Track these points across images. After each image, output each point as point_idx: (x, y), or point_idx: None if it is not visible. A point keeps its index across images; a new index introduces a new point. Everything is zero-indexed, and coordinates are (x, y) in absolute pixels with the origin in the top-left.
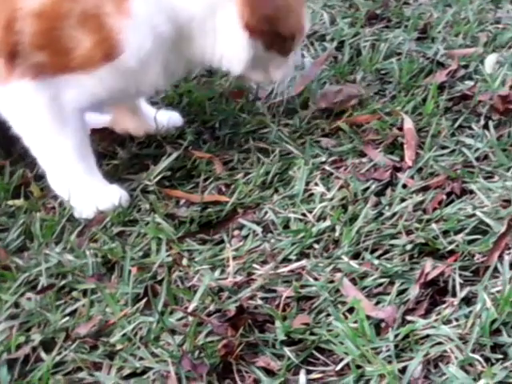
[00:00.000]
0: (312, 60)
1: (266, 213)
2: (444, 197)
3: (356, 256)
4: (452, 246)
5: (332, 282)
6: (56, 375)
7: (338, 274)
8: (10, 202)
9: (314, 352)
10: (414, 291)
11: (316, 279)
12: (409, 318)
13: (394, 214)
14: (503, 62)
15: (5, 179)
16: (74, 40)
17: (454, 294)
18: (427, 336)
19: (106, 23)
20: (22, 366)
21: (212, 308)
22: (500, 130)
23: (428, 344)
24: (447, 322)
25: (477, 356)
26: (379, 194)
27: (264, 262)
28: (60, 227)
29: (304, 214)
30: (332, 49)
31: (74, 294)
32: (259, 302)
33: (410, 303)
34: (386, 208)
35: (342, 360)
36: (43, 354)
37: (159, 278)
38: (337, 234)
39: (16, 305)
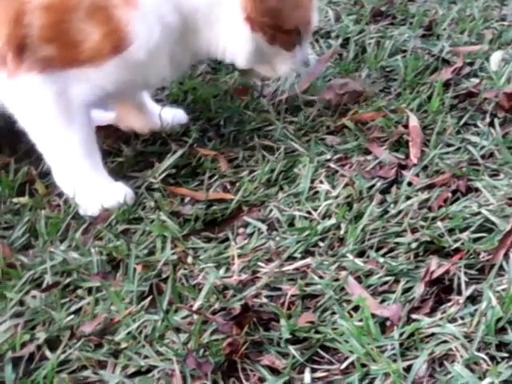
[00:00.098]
0: (317, 57)
1: (270, 210)
2: (449, 195)
3: (361, 254)
4: (457, 244)
5: (337, 280)
6: (61, 373)
7: (343, 272)
8: (15, 200)
9: (319, 350)
10: (420, 289)
11: (321, 277)
12: (414, 316)
13: (399, 212)
14: (509, 60)
15: (10, 176)
16: (82, 33)
17: (460, 293)
18: (432, 334)
19: (114, 15)
20: (27, 365)
21: (217, 306)
22: (506, 127)
23: (433, 342)
24: (452, 320)
25: (482, 354)
26: (384, 191)
27: (269, 260)
28: (65, 225)
29: (309, 212)
30: (337, 46)
31: (79, 292)
32: (264, 300)
33: (415, 301)
34: (391, 206)
35: (346, 358)
36: (48, 353)
37: (164, 276)
38: (342, 231)
39: (21, 303)
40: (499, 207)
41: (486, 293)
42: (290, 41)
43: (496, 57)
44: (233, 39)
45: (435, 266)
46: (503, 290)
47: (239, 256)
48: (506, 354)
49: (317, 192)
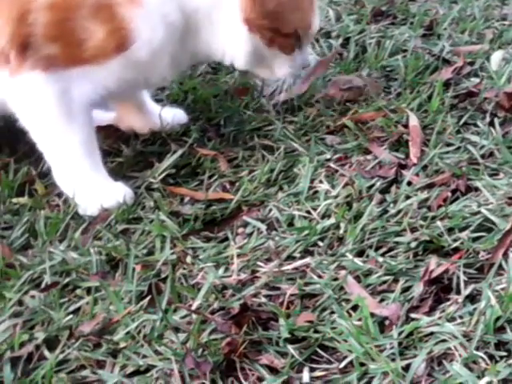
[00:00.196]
0: (317, 57)
1: (270, 210)
2: (449, 194)
3: (360, 253)
4: (457, 244)
5: (336, 279)
6: (59, 373)
7: (343, 272)
8: (15, 200)
9: (318, 350)
10: (419, 289)
11: (320, 277)
12: (413, 315)
13: (398, 212)
14: (509, 59)
15: (9, 177)
16: (86, 31)
17: (459, 292)
18: (431, 333)
19: (117, 13)
20: (26, 364)
21: (216, 306)
22: (505, 127)
23: (432, 341)
24: (451, 319)
25: (481, 353)
26: (384, 191)
27: (268, 260)
28: (64, 225)
29: (308, 212)
30: (337, 46)
31: (78, 291)
32: (263, 299)
33: (415, 301)
34: (391, 205)
35: (345, 358)
36: (46, 352)
37: (163, 275)
38: (341, 231)
39: (20, 303)
40: (499, 206)
41: (485, 292)
42: (288, 44)
43: (496, 56)
44: (231, 40)
45: (434, 265)
46: (502, 289)
47: (238, 256)
48: (504, 353)
49: (316, 192)
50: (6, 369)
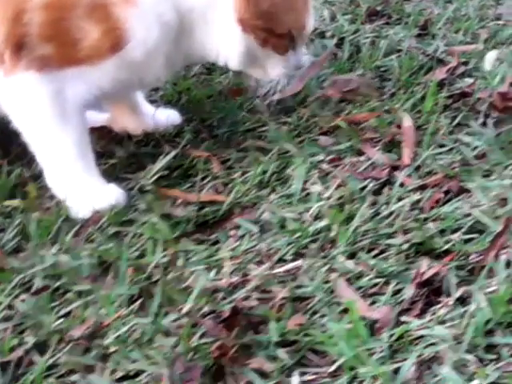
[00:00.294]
0: (312, 57)
1: (262, 212)
2: (441, 195)
3: (352, 256)
4: (448, 246)
5: (327, 282)
6: (49, 378)
7: (334, 274)
8: (7, 203)
9: (308, 353)
10: (410, 291)
11: (311, 279)
12: (403, 318)
13: (390, 213)
14: (503, 59)
15: (1, 179)
16: (81, 31)
17: (449, 294)
18: (421, 337)
19: (112, 13)
20: (15, 369)
21: (206, 309)
22: (499, 127)
23: (422, 345)
24: (442, 322)
25: (470, 357)
26: (376, 192)
27: (260, 262)
28: (56, 228)
29: (301, 214)
30: (332, 46)
31: (69, 295)
32: (254, 302)
33: (405, 303)
34: (383, 207)
35: (335, 361)
36: (36, 357)
37: (154, 278)
38: (333, 233)
39: (10, 307)
40: (491, 208)
41: (475, 294)
42: (282, 44)
43: (491, 56)
44: (225, 40)
45: (426, 267)
46: (493, 291)
47: (230, 258)
48: (494, 356)
49: (309, 193)
50: None
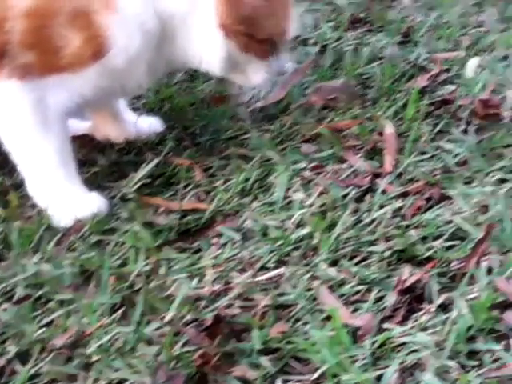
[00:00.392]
0: (294, 64)
1: (244, 220)
2: (423, 203)
3: (334, 263)
4: (430, 253)
5: (310, 289)
6: None
7: (316, 282)
8: None
9: (291, 361)
10: (392, 298)
11: (294, 287)
12: (386, 325)
13: (372, 221)
14: (485, 66)
15: None
16: (63, 38)
17: (431, 301)
18: (403, 343)
19: (94, 20)
20: None
21: (189, 317)
22: (480, 134)
23: (404, 351)
24: (424, 329)
25: (452, 363)
26: (358, 200)
27: (242, 270)
28: (38, 236)
29: (283, 221)
30: (314, 54)
31: (51, 304)
32: (237, 310)
33: (388, 310)
34: (365, 214)
35: (318, 369)
36: (18, 366)
37: (137, 287)
38: (315, 241)
39: None
40: (472, 215)
41: (457, 301)
42: (263, 50)
43: (472, 63)
44: (207, 46)
45: (407, 274)
46: (474, 298)
47: (212, 266)
48: (476, 363)
49: (291, 201)
50: None
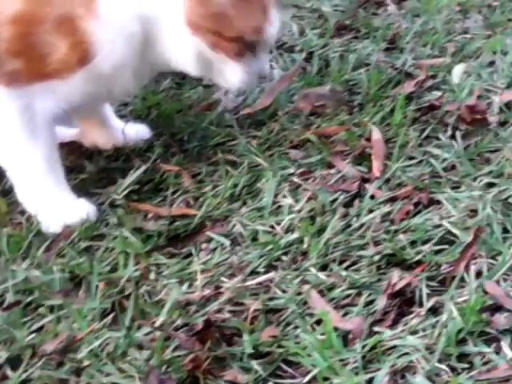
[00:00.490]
0: (281, 71)
1: (234, 225)
2: (411, 207)
3: (324, 267)
4: (419, 257)
5: (300, 294)
6: None
7: (306, 286)
8: None
9: (282, 365)
10: (382, 302)
11: (284, 291)
12: (376, 328)
13: (361, 225)
14: (471, 72)
15: None
16: (49, 45)
17: (421, 305)
18: (394, 347)
19: (79, 26)
20: None
21: (179, 322)
22: (467, 140)
23: (395, 355)
24: (414, 332)
25: (443, 366)
26: (347, 205)
27: (232, 275)
28: (27, 243)
29: (272, 226)
30: (301, 61)
31: (41, 310)
32: (227, 315)
33: (378, 314)
34: (354, 219)
35: (309, 372)
36: (9, 372)
37: (127, 292)
38: (305, 245)
39: None
40: (460, 219)
41: (446, 304)
42: (233, 49)
43: (458, 70)
44: (177, 45)
45: (397, 278)
46: (464, 301)
47: (202, 271)
48: (466, 365)
49: (280, 206)
50: None
